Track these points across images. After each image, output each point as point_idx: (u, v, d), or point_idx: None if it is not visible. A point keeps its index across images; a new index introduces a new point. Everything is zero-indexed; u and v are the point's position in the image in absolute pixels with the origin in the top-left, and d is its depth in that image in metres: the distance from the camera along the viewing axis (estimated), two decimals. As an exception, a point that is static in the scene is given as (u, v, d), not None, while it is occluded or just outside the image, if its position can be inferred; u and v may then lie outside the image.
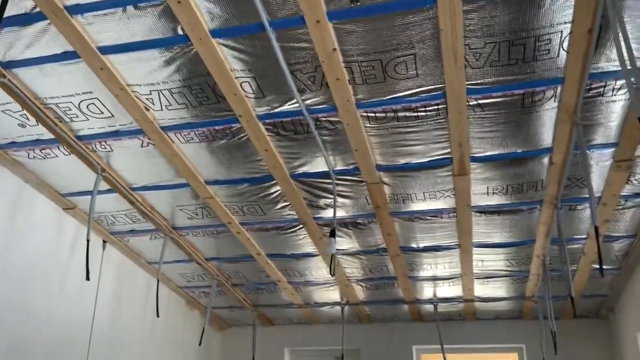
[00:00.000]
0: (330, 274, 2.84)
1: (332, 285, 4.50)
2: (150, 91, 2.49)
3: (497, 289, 4.35)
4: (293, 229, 3.65)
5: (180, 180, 3.17)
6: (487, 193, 3.09)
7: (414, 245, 3.75)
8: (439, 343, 4.81)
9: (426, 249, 3.78)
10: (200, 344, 4.22)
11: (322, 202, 3.30)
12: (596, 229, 2.36)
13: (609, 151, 2.70)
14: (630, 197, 3.04)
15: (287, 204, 3.34)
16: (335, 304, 4.84)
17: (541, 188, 3.02)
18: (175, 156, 2.92)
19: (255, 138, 2.74)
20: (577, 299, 4.32)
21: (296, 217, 3.48)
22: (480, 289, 4.37)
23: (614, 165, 2.76)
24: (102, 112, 2.66)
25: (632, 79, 1.79)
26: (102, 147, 2.91)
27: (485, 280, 4.20)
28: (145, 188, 3.28)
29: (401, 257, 3.89)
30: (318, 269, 4.21)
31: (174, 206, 3.47)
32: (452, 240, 3.64)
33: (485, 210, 3.28)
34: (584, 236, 3.47)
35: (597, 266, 3.78)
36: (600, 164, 2.79)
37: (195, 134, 2.76)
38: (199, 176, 3.13)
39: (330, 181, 3.07)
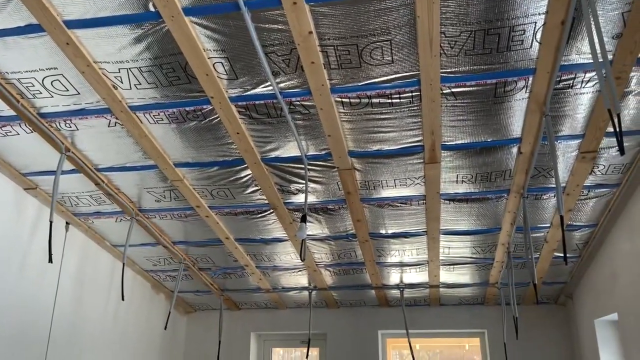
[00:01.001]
0: (301, 259, 2.84)
1: (300, 270, 4.50)
2: (119, 69, 2.41)
3: (462, 276, 4.44)
4: (263, 214, 3.63)
5: (148, 161, 3.10)
6: (457, 181, 3.13)
7: (382, 231, 3.78)
8: (404, 328, 4.89)
9: (394, 235, 3.82)
10: (165, 328, 4.17)
11: (293, 187, 3.28)
12: (561, 218, 2.42)
13: (575, 142, 2.76)
14: (592, 188, 3.14)
15: (257, 188, 3.31)
16: (303, 288, 4.86)
17: (509, 177, 3.08)
18: (144, 137, 2.85)
19: (226, 120, 2.69)
20: (538, 285, 4.45)
21: (266, 201, 3.45)
22: (446, 275, 4.45)
23: (579, 157, 2.83)
24: (68, 90, 2.56)
25: (603, 71, 1.82)
26: (67, 125, 2.81)
27: (451, 267, 4.28)
28: (111, 169, 3.19)
29: (370, 243, 3.92)
30: (287, 254, 4.20)
31: (141, 188, 3.39)
32: (420, 227, 3.69)
33: (454, 198, 3.32)
34: (547, 225, 3.56)
35: (559, 254, 3.92)
36: (566, 154, 2.86)
37: (165, 114, 2.69)
38: (168, 158, 3.06)
39: (302, 166, 3.06)
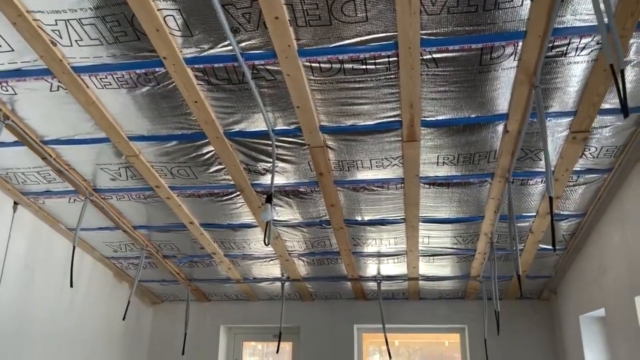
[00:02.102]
0: (265, 243, 2.57)
1: (271, 260, 4.24)
2: (56, 20, 2.11)
3: (442, 268, 4.21)
4: (229, 196, 3.35)
5: (100, 134, 2.81)
6: (437, 162, 2.89)
7: (358, 218, 3.53)
8: (380, 322, 4.65)
9: (371, 223, 3.57)
10: (124, 319, 3.88)
11: (260, 166, 3.01)
12: (551, 200, 2.18)
13: (566, 121, 2.53)
14: (582, 173, 2.92)
15: (221, 167, 3.04)
16: (275, 279, 4.59)
17: (493, 159, 2.84)
18: (91, 104, 2.55)
19: (183, 86, 2.41)
20: (522, 278, 4.24)
21: (232, 182, 3.18)
22: (425, 267, 4.22)
23: (570, 137, 2.60)
24: (0, 45, 2.26)
25: (605, 20, 1.58)
26: (3, 89, 2.50)
27: (431, 258, 4.05)
28: (58, 142, 2.89)
29: (345, 231, 3.67)
30: (257, 242, 3.93)
31: (94, 164, 3.09)
32: (398, 213, 3.44)
33: (434, 182, 3.08)
34: (532, 214, 3.34)
35: (544, 246, 3.70)
36: (555, 135, 2.63)
37: (113, 77, 2.40)
38: (121, 130, 2.77)
39: (270, 142, 2.79)
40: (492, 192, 3.11)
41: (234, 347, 5.17)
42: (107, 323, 4.44)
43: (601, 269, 3.32)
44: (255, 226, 3.70)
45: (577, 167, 2.85)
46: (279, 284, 4.66)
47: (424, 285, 4.55)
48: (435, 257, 4.04)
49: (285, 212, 3.50)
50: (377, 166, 2.95)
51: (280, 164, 2.98)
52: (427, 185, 3.11)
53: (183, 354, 4.61)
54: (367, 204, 3.35)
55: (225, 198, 3.36)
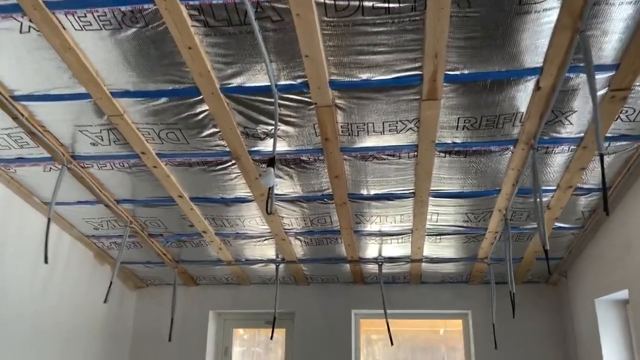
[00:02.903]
0: (267, 211, 2.28)
1: (266, 239, 3.94)
2: (25, -61, 1.78)
3: (448, 249, 3.95)
4: (223, 165, 3.04)
5: (78, 88, 2.48)
6: (457, 126, 2.61)
7: (363, 191, 3.24)
8: (379, 308, 4.39)
9: (377, 197, 3.29)
10: (105, 301, 3.55)
11: (260, 129, 2.71)
12: (601, 157, 1.92)
13: (605, 76, 2.27)
14: (614, 140, 2.66)
15: (216, 130, 2.73)
16: (269, 261, 4.30)
17: (519, 123, 2.57)
18: (68, 50, 2.22)
19: (175, 28, 2.09)
20: (531, 262, 4.01)
21: (227, 149, 2.87)
22: (430, 249, 3.96)
23: (608, 95, 2.34)
24: (-41, -28, 1.92)
25: None
26: (-35, 29, 2.16)
27: (438, 238, 3.78)
28: (31, 97, 2.55)
29: (348, 207, 3.38)
30: (251, 218, 3.63)
31: (73, 126, 2.76)
32: (407, 187, 3.16)
33: (451, 150, 2.80)
34: (552, 187, 3.09)
35: (561, 224, 3.47)
36: (584, 98, 2.37)
37: (94, 16, 2.07)
38: (102, 84, 2.44)
39: (272, 100, 2.48)
40: (513, 161, 2.84)
41: (223, 334, 4.87)
42: (87, 307, 4.11)
43: (626, 248, 3.08)
44: (251, 200, 3.40)
45: (609, 133, 2.59)
46: (273, 266, 4.37)
47: (427, 268, 4.29)
48: (442, 237, 3.77)
49: (284, 185, 3.20)
50: (389, 130, 2.66)
51: (283, 127, 2.68)
52: (442, 154, 2.83)
53: (170, 340, 4.30)
54: (375, 176, 3.06)
55: (218, 167, 3.05)
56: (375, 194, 3.26)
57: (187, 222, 3.71)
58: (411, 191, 3.21)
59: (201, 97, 2.48)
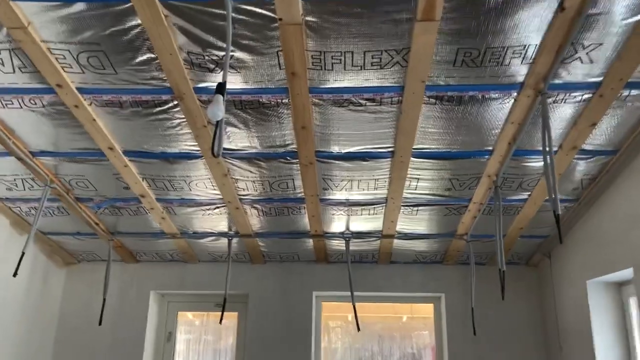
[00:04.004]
0: (213, 153, 1.73)
1: (217, 207, 3.37)
2: None
3: (424, 223, 3.49)
4: (162, 107, 2.45)
5: (-38, -16, 1.84)
6: (455, 61, 2.12)
7: (334, 149, 2.73)
8: (343, 289, 3.92)
9: (349, 157, 2.78)
10: (15, 275, 2.91)
11: (209, 56, 2.14)
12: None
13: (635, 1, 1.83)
14: (633, 87, 2.23)
15: (152, 55, 2.14)
16: (220, 235, 3.73)
17: (530, 60, 2.10)
18: None
19: None
20: (514, 240, 3.60)
21: (167, 84, 2.29)
22: (404, 223, 3.49)
23: (634, 30, 1.90)
24: None
25: None
26: None
27: (414, 209, 3.31)
28: None
29: (314, 168, 2.86)
30: (199, 180, 3.05)
31: (-39, 43, 2.11)
32: (386, 144, 2.67)
33: (442, 95, 2.31)
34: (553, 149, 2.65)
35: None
36: (611, 26, 1.92)
37: None
38: (-5, -24, 1.82)
39: (224, 12, 1.92)
40: (514, 112, 2.38)
41: (166, 317, 4.28)
42: (1, 285, 3.44)
43: (630, 222, 2.69)
44: (198, 156, 2.82)
45: (632, 78, 2.16)
46: (224, 240, 3.81)
47: (398, 246, 3.83)
48: (419, 209, 3.31)
49: (239, 136, 2.65)
50: (372, 63, 2.14)
51: (238, 53, 2.12)
52: (432, 100, 2.34)
53: (100, 324, 3.69)
54: (349, 127, 2.55)
55: (157, 110, 2.47)
56: (348, 152, 2.75)
57: (121, 184, 3.11)
58: (390, 149, 2.72)
59: (130, 4, 1.89)
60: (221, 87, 1.74)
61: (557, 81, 2.20)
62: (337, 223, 3.56)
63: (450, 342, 3.91)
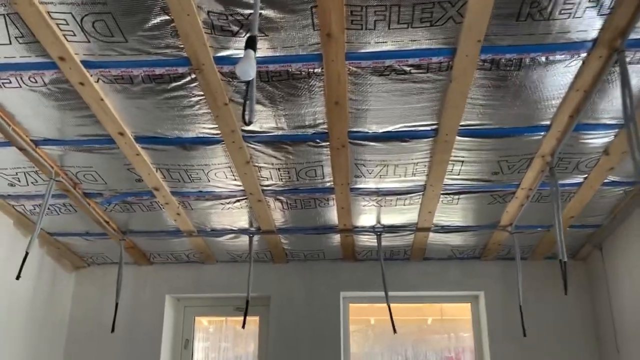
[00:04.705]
0: (244, 121, 1.45)
1: (238, 201, 3.08)
2: None
3: (464, 214, 3.18)
4: (179, 82, 2.16)
5: None
6: (519, 14, 1.81)
7: (370, 128, 2.43)
8: (371, 289, 3.65)
9: (387, 137, 2.48)
10: (18, 277, 2.63)
11: (232, 16, 1.85)
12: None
13: None
14: None
15: (167, 17, 1.86)
16: (240, 232, 3.44)
17: (608, 10, 1.79)
18: None
19: None
20: (562, 230, 3.27)
21: (184, 52, 2.00)
22: (443, 213, 3.18)
23: None
24: None
25: None
26: None
27: (455, 197, 3.00)
28: None
29: (346, 151, 2.56)
30: (218, 169, 2.76)
31: (-52, 8, 1.84)
32: (429, 120, 2.37)
33: (499, 59, 2.01)
34: (616, 123, 2.34)
35: (615, 178, 2.74)
36: None
37: None
38: None
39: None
40: (581, 77, 2.07)
41: (183, 323, 3.99)
42: (8, 293, 3.17)
43: None
44: (218, 141, 2.54)
45: None
46: (244, 238, 3.51)
47: (433, 240, 3.52)
48: (460, 197, 3.00)
49: (264, 115, 2.35)
50: (422, 20, 1.84)
51: (266, 11, 1.83)
52: (487, 64, 2.04)
53: (113, 331, 3.40)
54: (389, 102, 2.25)
55: (173, 86, 2.18)
56: (386, 131, 2.45)
57: (133, 175, 2.83)
58: (434, 127, 2.41)
59: (142, -51, 1.61)
60: (252, 41, 1.45)
61: (636, 36, 1.88)
62: (368, 216, 3.26)
63: (492, 343, 3.59)
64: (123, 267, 3.56)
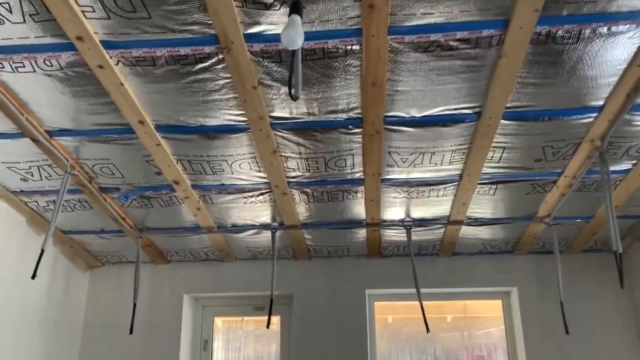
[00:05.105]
0: (292, 96, 1.29)
1: (262, 193, 2.92)
2: None
3: (499, 204, 3.01)
4: (205, 64, 2.00)
5: None
6: (583, -22, 1.65)
7: (409, 112, 2.26)
8: (397, 286, 3.49)
9: (426, 121, 2.31)
10: (33, 277, 2.48)
11: (265, -13, 1.69)
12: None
13: None
14: None
15: (195, -10, 1.70)
16: (262, 227, 3.28)
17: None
18: None
19: None
20: (602, 222, 3.10)
21: (212, 29, 1.84)
22: (477, 205, 3.01)
23: None
24: None
25: None
26: None
27: (492, 187, 2.83)
28: None
29: (380, 138, 2.40)
30: (242, 159, 2.60)
31: (-43, -18, 1.69)
32: (473, 102, 2.20)
33: (556, 32, 1.84)
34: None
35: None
36: None
37: None
38: None
39: None
40: (643, 51, 1.90)
41: (202, 324, 3.83)
42: (20, 294, 3.02)
43: None
44: (244, 129, 2.37)
45: None
46: (265, 234, 3.36)
47: (464, 234, 3.35)
48: (498, 186, 2.82)
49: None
50: (474, -14, 1.67)
51: (304, -20, 1.66)
52: (542, 37, 1.86)
53: (131, 332, 3.24)
54: (431, 82, 2.08)
55: (198, 67, 2.02)
56: (425, 115, 2.28)
57: (152, 168, 2.67)
58: (477, 110, 2.24)
59: None
60: (297, 5, 1.29)
61: None
62: (397, 209, 3.09)
63: (527, 341, 3.41)
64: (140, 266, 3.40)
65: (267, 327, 3.19)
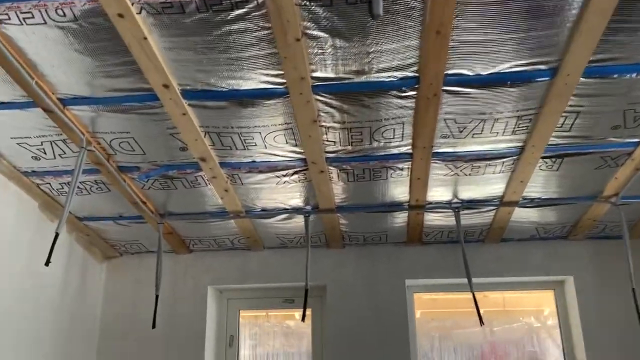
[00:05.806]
0: (371, 14, 1.01)
1: (296, 172, 2.63)
2: None
3: (562, 182, 2.69)
4: (241, 10, 1.71)
5: None
6: None
7: (474, 68, 1.96)
8: (439, 276, 3.22)
9: (492, 79, 2.00)
10: (47, 264, 2.20)
11: None
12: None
13: None
14: None
15: None
16: (294, 211, 2.99)
17: None
18: None
19: None
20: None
21: (252, -35, 1.55)
22: (536, 182, 2.69)
23: None
24: None
25: None
26: None
27: (557, 161, 2.51)
28: None
29: (437, 102, 2.09)
30: (278, 132, 2.31)
31: None
32: (550, 56, 1.88)
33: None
34: None
35: None
36: None
37: None
38: None
39: None
40: None
41: (227, 317, 3.55)
42: (33, 286, 2.77)
43: None
44: (281, 94, 2.08)
45: None
46: (297, 220, 3.07)
47: (517, 217, 3.04)
48: (565, 159, 2.51)
49: (344, 55, 1.89)
50: None
51: None
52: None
53: (154, 327, 2.97)
54: (504, 30, 1.77)
55: (234, 15, 1.72)
56: (491, 73, 1.97)
57: (177, 143, 2.39)
58: (553, 65, 1.93)
59: None
60: None
61: None
62: (444, 189, 2.79)
63: (586, 334, 3.09)
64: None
65: (303, 320, 2.90)
